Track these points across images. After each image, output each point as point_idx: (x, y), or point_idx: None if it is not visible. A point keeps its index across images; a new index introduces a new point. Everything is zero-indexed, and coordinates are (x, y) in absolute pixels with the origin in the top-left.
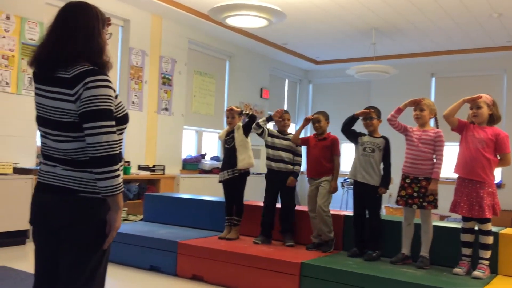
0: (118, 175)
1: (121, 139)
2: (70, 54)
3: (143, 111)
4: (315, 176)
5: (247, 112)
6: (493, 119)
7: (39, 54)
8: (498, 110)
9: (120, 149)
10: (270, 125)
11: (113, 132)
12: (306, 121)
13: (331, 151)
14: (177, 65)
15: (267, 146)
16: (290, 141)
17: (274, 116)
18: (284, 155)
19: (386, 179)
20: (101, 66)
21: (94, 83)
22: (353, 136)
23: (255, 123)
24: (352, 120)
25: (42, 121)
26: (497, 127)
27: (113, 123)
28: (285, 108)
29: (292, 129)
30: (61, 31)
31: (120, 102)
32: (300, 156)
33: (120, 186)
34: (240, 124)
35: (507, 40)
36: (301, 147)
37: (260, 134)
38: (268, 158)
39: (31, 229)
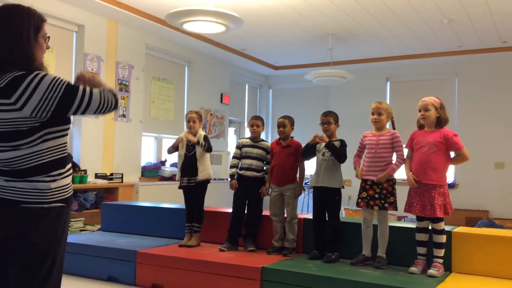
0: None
1: (65, 143)
2: None
3: (100, 118)
4: (280, 183)
5: (204, 144)
6: (441, 121)
7: None
8: (445, 113)
9: (64, 153)
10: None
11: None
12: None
13: (295, 158)
14: (134, 71)
15: (242, 157)
16: (262, 150)
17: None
18: (255, 163)
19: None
20: None
21: (36, 80)
22: (313, 154)
23: (238, 156)
24: (307, 150)
25: None
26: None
27: (86, 87)
28: (246, 114)
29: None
30: None
31: None
32: (269, 164)
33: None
34: (202, 132)
35: (458, 45)
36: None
37: None
38: (241, 167)
39: None
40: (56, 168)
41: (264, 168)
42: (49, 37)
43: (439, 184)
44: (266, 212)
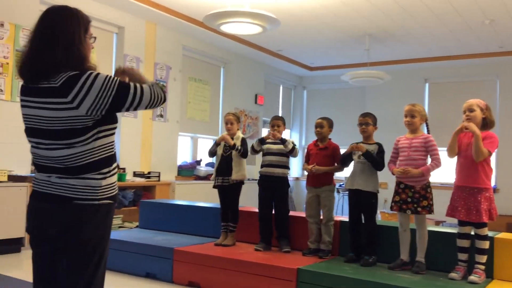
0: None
1: (113, 141)
2: (50, 64)
3: (138, 118)
4: (315, 185)
5: (239, 149)
6: (487, 123)
7: (21, 65)
8: (491, 115)
9: (113, 151)
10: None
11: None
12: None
13: (332, 160)
14: (172, 72)
15: (263, 153)
16: (283, 146)
17: (266, 138)
18: (275, 159)
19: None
20: None
21: (90, 79)
22: (350, 160)
23: (251, 149)
24: (344, 159)
25: (32, 131)
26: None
27: (137, 84)
28: (280, 114)
29: (286, 134)
30: (40, 40)
31: None
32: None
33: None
34: (240, 134)
35: (499, 46)
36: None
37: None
38: (262, 164)
39: (27, 237)
40: (106, 165)
41: (288, 164)
42: (95, 38)
43: (485, 187)
44: (300, 213)
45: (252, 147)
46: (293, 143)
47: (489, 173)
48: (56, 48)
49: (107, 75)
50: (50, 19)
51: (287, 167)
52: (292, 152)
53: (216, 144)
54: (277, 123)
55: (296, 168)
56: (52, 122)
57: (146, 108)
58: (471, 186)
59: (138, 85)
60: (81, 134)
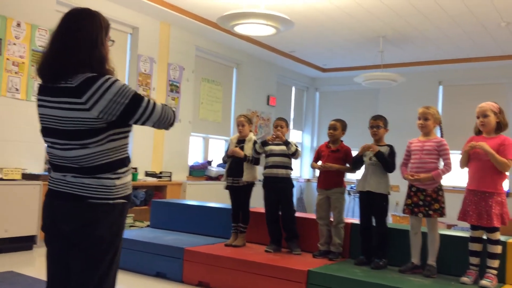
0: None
1: (127, 143)
2: (71, 64)
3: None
4: (326, 187)
5: (250, 160)
6: (501, 126)
7: (42, 65)
8: (505, 118)
9: (127, 153)
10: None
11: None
12: (364, 148)
13: (344, 163)
14: (185, 72)
15: (266, 155)
16: (286, 147)
17: (268, 140)
18: (279, 159)
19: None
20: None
21: (107, 83)
22: (361, 164)
23: (253, 151)
24: (356, 161)
25: (48, 131)
26: (503, 134)
27: (150, 99)
28: (292, 116)
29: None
30: (63, 41)
31: None
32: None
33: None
34: (253, 137)
35: None
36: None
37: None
38: (265, 166)
39: (41, 235)
40: (120, 166)
41: (292, 165)
42: (113, 41)
43: (497, 192)
44: (311, 215)
45: (254, 149)
46: (295, 145)
47: (502, 178)
48: (78, 50)
49: (124, 84)
50: (73, 21)
51: (291, 168)
52: (295, 154)
53: (228, 155)
54: (280, 123)
55: (307, 170)
56: (66, 122)
57: (153, 125)
58: (482, 190)
59: (152, 101)
60: (95, 135)
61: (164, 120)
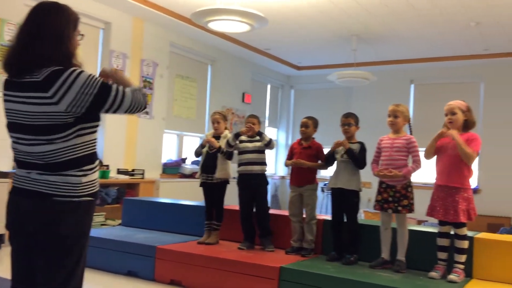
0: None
1: (95, 139)
2: (37, 59)
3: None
4: (298, 184)
5: (224, 152)
6: (468, 124)
7: (7, 59)
8: (472, 116)
9: (94, 149)
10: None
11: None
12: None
13: (315, 159)
14: (159, 69)
15: (239, 153)
16: (259, 143)
17: (241, 132)
18: (253, 156)
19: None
20: None
21: (73, 75)
22: (334, 160)
23: (226, 144)
24: (329, 158)
25: (14, 126)
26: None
27: (119, 87)
28: (267, 113)
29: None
30: (28, 35)
31: None
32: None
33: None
34: (228, 134)
35: (484, 49)
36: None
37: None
38: (239, 163)
39: (7, 233)
40: (87, 163)
41: (266, 160)
42: (83, 35)
43: (463, 188)
44: (284, 212)
45: (227, 141)
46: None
47: (469, 174)
48: (43, 44)
49: (90, 74)
50: (39, 15)
51: (265, 164)
52: (269, 144)
53: (202, 145)
54: (252, 121)
55: (281, 167)
56: (33, 117)
57: (125, 113)
58: (449, 186)
59: (120, 88)
60: (62, 130)
61: (136, 106)
